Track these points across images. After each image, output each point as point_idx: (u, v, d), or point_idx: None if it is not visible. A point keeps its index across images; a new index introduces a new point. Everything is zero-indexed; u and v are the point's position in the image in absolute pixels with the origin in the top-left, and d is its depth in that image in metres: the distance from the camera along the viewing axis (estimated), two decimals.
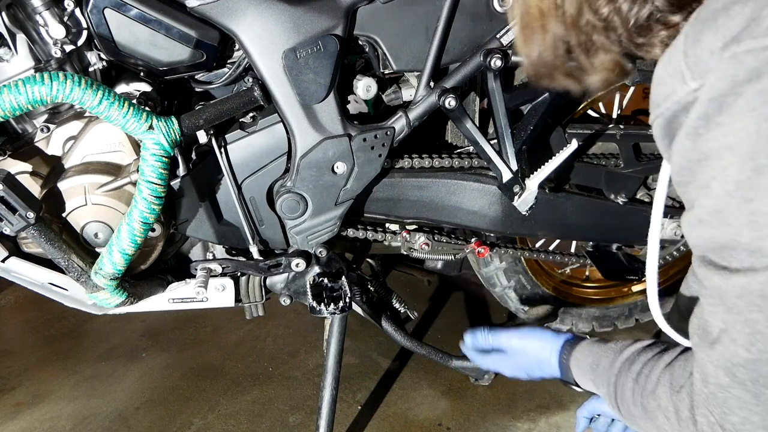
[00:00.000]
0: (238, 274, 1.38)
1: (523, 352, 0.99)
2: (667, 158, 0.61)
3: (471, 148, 1.42)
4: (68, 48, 1.16)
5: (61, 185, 1.20)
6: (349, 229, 1.40)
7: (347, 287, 1.32)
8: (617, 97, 1.68)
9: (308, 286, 1.35)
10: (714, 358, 0.59)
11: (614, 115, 1.68)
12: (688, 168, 0.57)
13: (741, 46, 0.50)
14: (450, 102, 1.25)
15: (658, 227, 0.78)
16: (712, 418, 0.61)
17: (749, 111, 0.50)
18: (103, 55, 1.20)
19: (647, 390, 0.72)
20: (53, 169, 1.24)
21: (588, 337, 0.93)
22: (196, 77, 1.28)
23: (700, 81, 0.53)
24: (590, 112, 1.66)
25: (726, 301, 0.57)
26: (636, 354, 0.78)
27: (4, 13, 1.13)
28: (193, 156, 1.29)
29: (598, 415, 0.99)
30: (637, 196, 1.54)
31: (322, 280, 1.35)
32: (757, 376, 0.56)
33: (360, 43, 1.26)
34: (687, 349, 0.72)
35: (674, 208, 1.48)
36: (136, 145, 1.24)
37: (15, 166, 1.20)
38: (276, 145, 1.28)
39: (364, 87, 1.30)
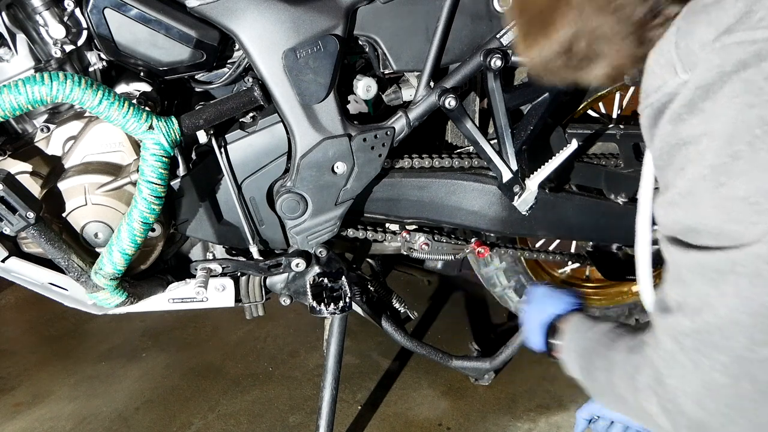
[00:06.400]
0: (238, 274, 1.38)
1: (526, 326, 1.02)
2: (649, 144, 0.62)
3: (471, 148, 1.42)
4: (68, 48, 1.16)
5: (61, 185, 1.20)
6: (349, 229, 1.40)
7: (347, 287, 1.32)
8: (617, 97, 1.68)
9: (308, 286, 1.35)
10: (664, 326, 0.63)
11: (614, 115, 1.67)
12: (667, 152, 0.58)
13: (731, 38, 0.50)
14: (450, 102, 1.25)
15: (649, 205, 0.80)
16: (648, 380, 0.66)
17: (732, 98, 0.50)
18: (103, 55, 1.20)
19: (615, 344, 0.78)
20: (53, 169, 1.24)
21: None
22: (196, 77, 1.28)
23: (692, 73, 0.54)
24: (590, 112, 1.66)
25: (681, 274, 0.59)
26: (618, 324, 0.85)
27: (4, 13, 1.13)
28: (193, 156, 1.29)
29: (598, 416, 0.99)
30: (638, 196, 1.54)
31: (322, 280, 1.35)
32: (698, 345, 0.58)
33: (360, 43, 1.26)
34: None
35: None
36: (136, 145, 1.24)
37: (15, 166, 1.20)
38: (276, 145, 1.28)
39: (364, 87, 1.30)
